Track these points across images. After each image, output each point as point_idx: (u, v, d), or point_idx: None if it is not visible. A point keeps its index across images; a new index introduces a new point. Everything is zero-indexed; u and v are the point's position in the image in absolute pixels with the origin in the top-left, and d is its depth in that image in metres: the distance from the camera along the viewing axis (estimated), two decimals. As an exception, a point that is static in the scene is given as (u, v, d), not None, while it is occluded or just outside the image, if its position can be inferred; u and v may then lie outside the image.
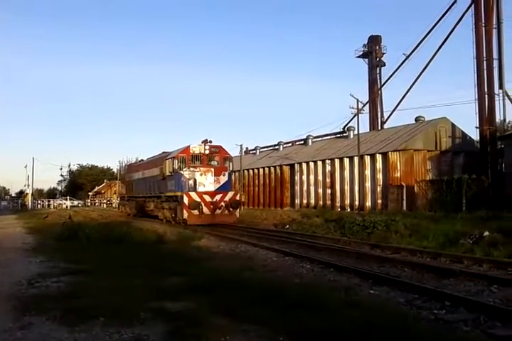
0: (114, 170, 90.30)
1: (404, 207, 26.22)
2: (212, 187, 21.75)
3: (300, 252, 11.82)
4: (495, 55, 27.14)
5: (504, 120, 30.14)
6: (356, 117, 31.90)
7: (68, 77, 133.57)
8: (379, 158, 29.33)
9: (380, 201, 28.95)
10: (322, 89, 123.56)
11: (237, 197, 22.30)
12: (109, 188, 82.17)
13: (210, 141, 22.86)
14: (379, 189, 29.16)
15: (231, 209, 21.57)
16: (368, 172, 30.07)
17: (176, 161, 22.37)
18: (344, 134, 37.97)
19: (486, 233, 12.35)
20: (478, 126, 27.50)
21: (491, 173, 25.79)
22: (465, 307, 6.39)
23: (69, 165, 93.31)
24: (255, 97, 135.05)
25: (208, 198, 21.06)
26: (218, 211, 21.23)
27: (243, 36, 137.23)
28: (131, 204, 32.81)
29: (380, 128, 40.08)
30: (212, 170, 21.98)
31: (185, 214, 20.78)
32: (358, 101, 30.73)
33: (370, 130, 40.11)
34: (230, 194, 21.93)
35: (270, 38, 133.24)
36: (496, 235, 12.26)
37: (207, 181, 21.74)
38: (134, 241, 13.23)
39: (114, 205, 58.78)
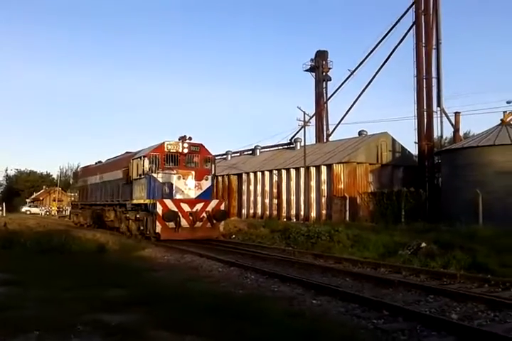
0: (54, 177, 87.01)
1: (347, 218, 26.88)
2: (192, 194, 17.88)
3: (245, 262, 11.83)
4: (434, 74, 28.59)
5: (441, 136, 31.76)
6: (303, 129, 32.53)
7: (7, 78, 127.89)
8: (324, 169, 29.97)
9: (324, 211, 29.52)
10: (272, 101, 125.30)
11: (222, 207, 18.52)
12: (47, 195, 78.90)
13: (190, 138, 18.76)
14: (323, 200, 29.74)
15: (214, 221, 17.95)
16: (313, 183, 30.63)
17: (146, 161, 18.22)
18: (291, 145, 38.57)
19: (423, 244, 12.86)
20: (417, 141, 28.73)
21: (428, 187, 26.97)
22: (402, 316, 6.61)
23: (6, 170, 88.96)
24: (204, 106, 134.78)
25: (186, 208, 17.35)
26: (199, 224, 17.54)
27: (191, 47, 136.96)
28: (85, 213, 28.54)
29: (325, 140, 41.03)
30: (193, 173, 18.04)
31: (158, 228, 16.89)
32: (304, 113, 31.42)
33: (316, 142, 40.98)
34: (214, 203, 18.17)
35: (218, 49, 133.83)
36: (433, 246, 12.79)
37: (186, 186, 17.80)
38: (73, 250, 12.75)
39: (64, 213, 56.23)
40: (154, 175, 17.97)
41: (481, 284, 9.25)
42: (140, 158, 18.94)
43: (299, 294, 8.24)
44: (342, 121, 39.10)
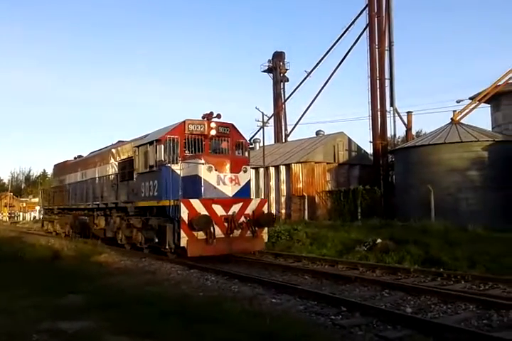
0: (5, 181, 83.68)
1: (306, 217, 27.22)
2: (228, 192, 12.53)
3: (205, 264, 11.79)
4: (387, 75, 29.36)
5: (394, 135, 32.62)
6: (262, 130, 32.67)
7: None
8: (283, 169, 30.24)
9: (284, 211, 29.78)
10: (232, 101, 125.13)
11: (265, 208, 13.46)
12: (-2, 201, 75.69)
13: (219, 116, 13.84)
14: (283, 199, 30.00)
15: (256, 228, 12.83)
16: (272, 182, 30.84)
17: (161, 147, 12.95)
18: (251, 146, 38.66)
19: (379, 240, 13.23)
20: (371, 140, 29.44)
21: (383, 185, 27.67)
22: (359, 312, 6.79)
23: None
24: (156, 105, 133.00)
25: (220, 210, 12.29)
26: (237, 232, 12.48)
27: (151, 46, 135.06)
28: (63, 220, 23.02)
29: (284, 140, 41.39)
30: (229, 162, 12.73)
31: (184, 240, 11.80)
32: (263, 114, 31.49)
33: (275, 142, 41.29)
34: (255, 203, 13.00)
35: (182, 50, 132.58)
36: (388, 242, 13.17)
37: (219, 181, 12.49)
38: (26, 258, 12.32)
39: (16, 219, 53.83)
40: (173, 166, 12.75)
41: (434, 278, 9.62)
42: (151, 143, 13.57)
43: (260, 294, 8.31)
44: (300, 122, 39.52)
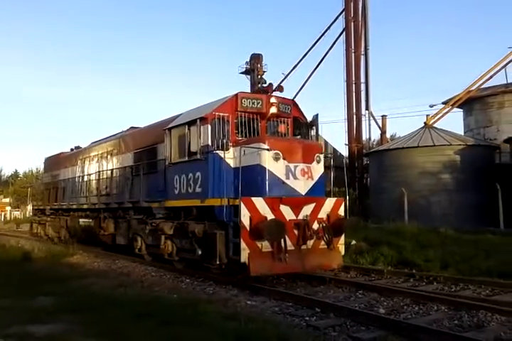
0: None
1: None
2: (300, 188, 9.41)
3: (179, 266, 11.61)
4: (362, 79, 29.71)
5: (369, 138, 33.08)
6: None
7: None
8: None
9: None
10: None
11: (342, 210, 10.07)
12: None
13: (280, 88, 11.77)
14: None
15: (330, 237, 9.53)
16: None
17: (207, 128, 9.78)
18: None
19: (353, 242, 13.32)
20: (347, 143, 29.74)
21: (358, 187, 27.98)
22: (334, 313, 6.83)
23: None
24: (139, 107, 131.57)
25: (289, 213, 9.15)
26: (309, 243, 9.30)
27: (125, 45, 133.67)
28: (57, 222, 19.07)
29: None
30: (301, 148, 9.61)
31: (245, 252, 8.63)
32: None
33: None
34: (329, 203, 9.83)
35: (150, 50, 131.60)
36: (362, 243, 13.29)
37: (289, 173, 9.34)
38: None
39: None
40: (221, 153, 9.56)
41: (407, 279, 9.75)
42: (191, 124, 10.19)
43: (234, 295, 8.28)
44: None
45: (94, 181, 15.84)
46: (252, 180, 9.07)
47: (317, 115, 9.52)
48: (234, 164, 9.56)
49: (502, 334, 5.84)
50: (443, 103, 25.46)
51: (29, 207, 42.64)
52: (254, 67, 48.46)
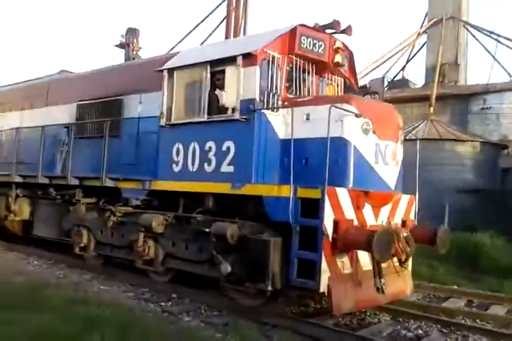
0: None
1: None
2: (389, 179, 6.43)
3: (28, 246, 10.64)
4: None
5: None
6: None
7: None
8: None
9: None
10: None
11: (412, 213, 6.98)
12: None
13: (349, 30, 7.24)
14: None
15: (410, 251, 6.04)
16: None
17: (253, 73, 6.33)
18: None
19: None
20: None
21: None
22: (189, 298, 6.90)
23: None
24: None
25: (369, 216, 6.18)
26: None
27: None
28: None
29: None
30: (394, 117, 6.74)
31: (325, 276, 5.48)
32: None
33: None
34: (404, 202, 6.80)
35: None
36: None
37: (378, 155, 6.27)
38: None
39: None
40: (271, 115, 6.45)
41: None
42: (223, 63, 6.68)
43: (87, 280, 7.92)
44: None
45: (6, 142, 10.94)
46: (320, 160, 5.73)
47: (383, 78, 6.74)
48: (284, 133, 6.40)
49: None
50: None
51: None
52: (129, 42, 46.47)
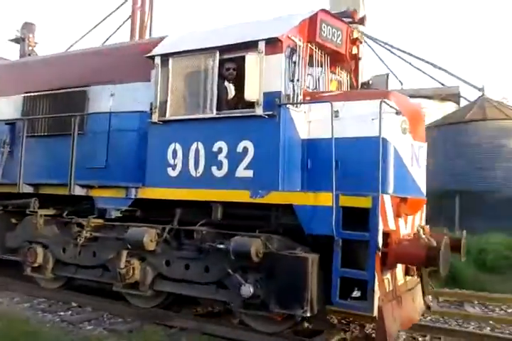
0: None
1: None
2: (422, 182, 5.99)
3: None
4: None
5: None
6: None
7: None
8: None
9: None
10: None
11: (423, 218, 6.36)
12: None
13: (362, 20, 8.26)
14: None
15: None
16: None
17: (278, 62, 5.41)
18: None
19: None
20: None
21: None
22: (91, 307, 6.61)
23: None
24: None
25: (403, 225, 5.49)
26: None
27: None
28: None
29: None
30: (422, 115, 6.23)
31: (377, 297, 4.75)
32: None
33: None
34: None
35: None
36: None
37: (414, 157, 5.73)
38: None
39: None
40: (294, 110, 5.51)
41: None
42: (239, 48, 5.56)
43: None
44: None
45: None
46: (353, 163, 5.22)
47: (387, 75, 5.94)
48: (306, 132, 5.59)
49: None
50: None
51: None
52: (25, 37, 43.62)
